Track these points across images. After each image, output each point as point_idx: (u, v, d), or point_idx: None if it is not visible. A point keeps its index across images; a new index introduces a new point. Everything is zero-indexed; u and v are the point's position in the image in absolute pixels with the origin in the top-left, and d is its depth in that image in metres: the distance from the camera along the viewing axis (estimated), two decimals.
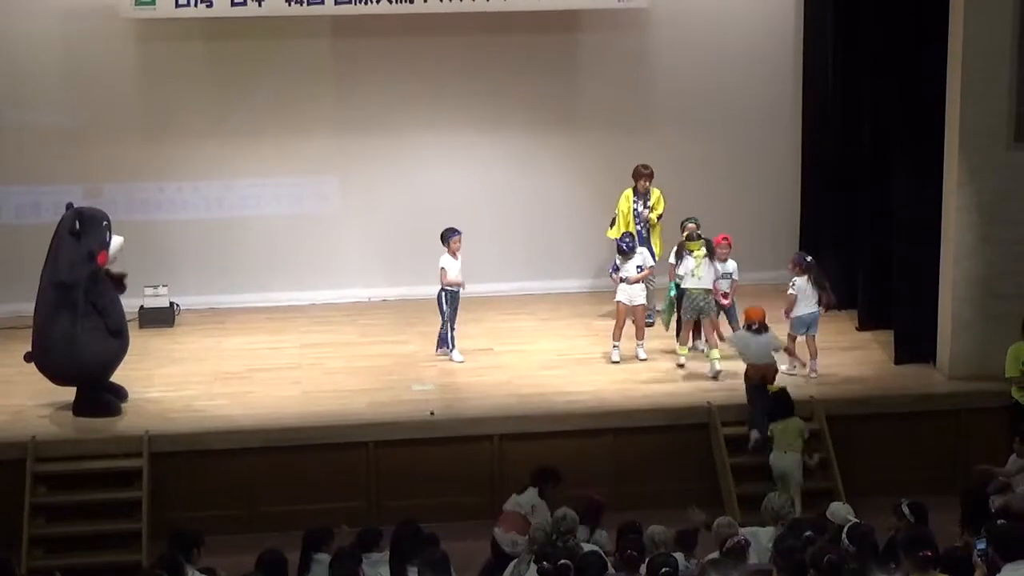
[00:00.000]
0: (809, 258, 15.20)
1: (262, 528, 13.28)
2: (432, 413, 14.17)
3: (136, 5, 16.33)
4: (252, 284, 17.81)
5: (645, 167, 16.40)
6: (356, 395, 14.78)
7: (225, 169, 17.74)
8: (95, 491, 13.57)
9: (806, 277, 14.91)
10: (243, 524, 13.57)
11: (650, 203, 16.36)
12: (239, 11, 16.48)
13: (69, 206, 14.40)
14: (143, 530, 13.19)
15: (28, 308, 14.52)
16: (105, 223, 14.28)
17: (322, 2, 16.47)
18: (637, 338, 15.59)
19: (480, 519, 12.91)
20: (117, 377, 14.54)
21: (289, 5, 16.44)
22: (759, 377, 13.94)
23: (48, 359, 14.15)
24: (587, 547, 10.99)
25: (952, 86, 14.43)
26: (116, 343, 14.31)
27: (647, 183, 16.37)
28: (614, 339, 15.54)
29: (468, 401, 14.57)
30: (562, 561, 10.12)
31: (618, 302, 15.50)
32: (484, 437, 14.05)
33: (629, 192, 16.40)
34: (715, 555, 10.58)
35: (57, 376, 14.26)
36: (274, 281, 17.87)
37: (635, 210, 16.36)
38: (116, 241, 14.30)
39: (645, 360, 15.49)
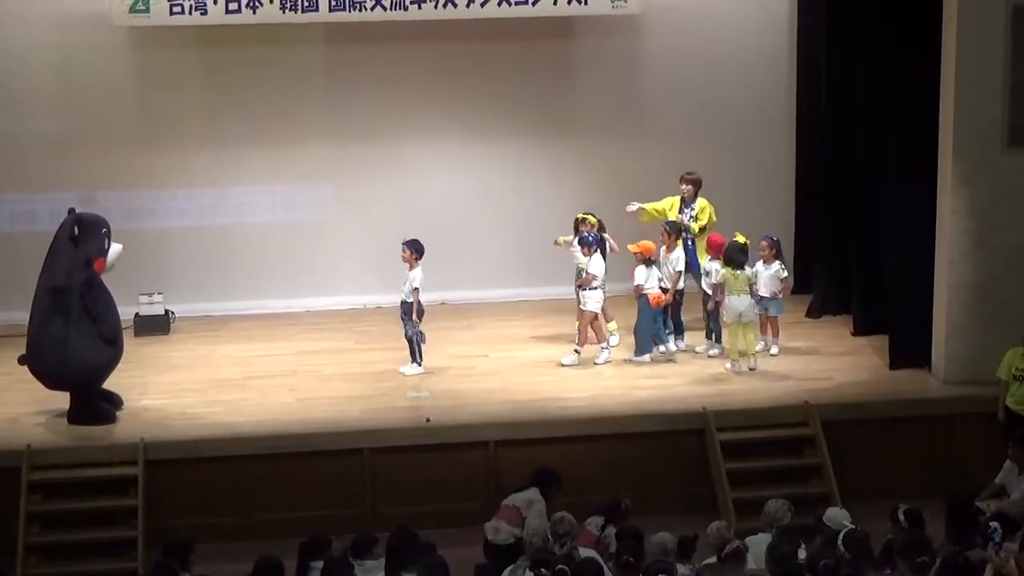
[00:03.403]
0: (775, 237, 15.85)
1: (258, 535, 13.23)
2: (428, 420, 14.18)
3: (130, 12, 16.31)
4: (247, 291, 17.78)
5: (689, 173, 16.06)
6: (351, 402, 14.75)
7: (220, 177, 17.73)
8: (91, 499, 13.54)
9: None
10: (239, 531, 13.53)
11: (694, 212, 16.07)
12: (233, 18, 16.46)
13: (71, 211, 14.43)
14: (139, 538, 13.17)
15: (23, 317, 14.49)
16: (104, 230, 14.28)
17: (316, 9, 16.45)
18: (598, 340, 15.62)
19: (476, 525, 12.85)
20: (112, 385, 14.52)
21: (283, 12, 16.44)
22: (655, 303, 15.46)
23: (40, 362, 14.15)
24: (584, 553, 10.99)
25: (946, 91, 14.45)
26: (109, 351, 14.28)
27: (690, 189, 15.98)
28: (599, 342, 15.64)
29: (463, 407, 14.55)
30: (559, 567, 10.10)
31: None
32: (479, 443, 14.03)
33: (677, 199, 16.11)
34: (712, 560, 10.60)
35: (48, 380, 14.25)
36: (269, 288, 17.85)
37: (680, 219, 16.00)
38: (115, 249, 14.29)
39: (606, 363, 15.50)
